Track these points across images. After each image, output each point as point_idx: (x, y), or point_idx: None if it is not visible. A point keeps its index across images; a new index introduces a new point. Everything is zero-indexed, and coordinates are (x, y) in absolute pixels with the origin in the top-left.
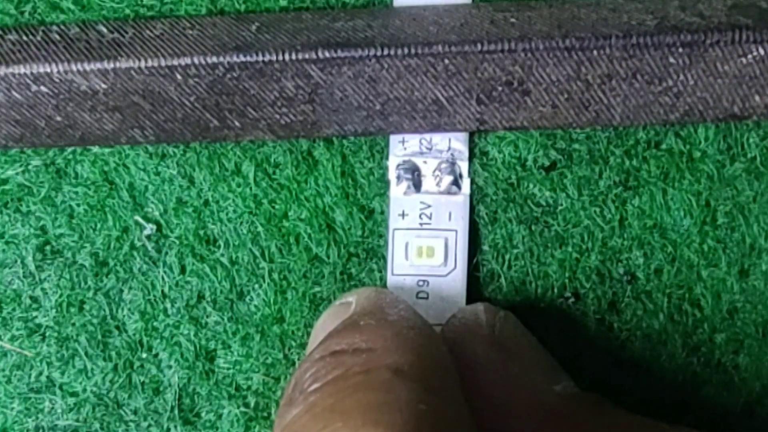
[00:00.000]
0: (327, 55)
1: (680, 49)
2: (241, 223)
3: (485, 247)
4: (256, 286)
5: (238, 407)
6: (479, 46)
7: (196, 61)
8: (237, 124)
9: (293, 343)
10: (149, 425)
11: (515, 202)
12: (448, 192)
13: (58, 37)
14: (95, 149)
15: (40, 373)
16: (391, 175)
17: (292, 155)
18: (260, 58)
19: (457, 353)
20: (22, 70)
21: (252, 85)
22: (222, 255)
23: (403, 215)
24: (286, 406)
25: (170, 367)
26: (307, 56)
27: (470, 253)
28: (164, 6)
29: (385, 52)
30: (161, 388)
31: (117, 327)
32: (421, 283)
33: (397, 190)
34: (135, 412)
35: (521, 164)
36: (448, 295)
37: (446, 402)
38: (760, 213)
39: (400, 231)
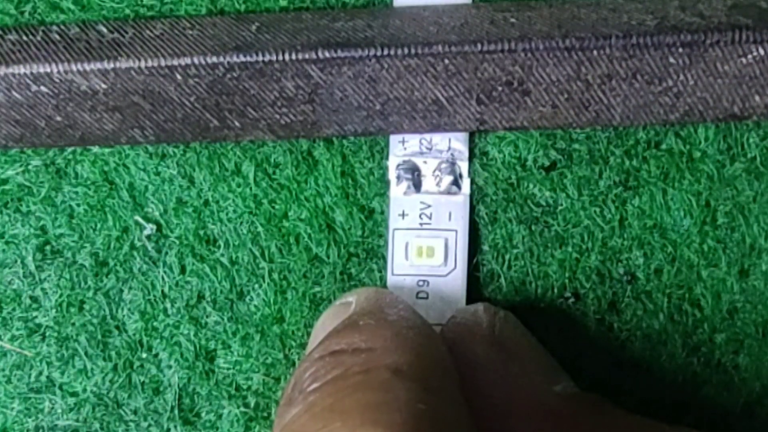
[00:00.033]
0: (327, 55)
1: (680, 49)
2: (241, 223)
3: (485, 247)
4: (256, 286)
5: (238, 407)
6: (479, 46)
7: (196, 61)
8: (237, 124)
9: (293, 343)
10: (149, 425)
11: (515, 202)
12: (448, 192)
13: (58, 37)
14: (95, 149)
15: (40, 373)
16: (391, 175)
17: (292, 155)
18: (260, 58)
19: (457, 353)
20: (22, 70)
21: (252, 85)
22: (222, 255)
23: (403, 215)
24: (285, 406)
25: (170, 367)
26: (307, 56)
27: (470, 253)
28: (164, 6)
29: (385, 52)
30: (161, 388)
31: (117, 327)
32: (421, 283)
33: (397, 190)
34: (135, 412)
35: (521, 164)
36: (448, 295)
37: (445, 402)
38: (760, 213)
39: (400, 231)
